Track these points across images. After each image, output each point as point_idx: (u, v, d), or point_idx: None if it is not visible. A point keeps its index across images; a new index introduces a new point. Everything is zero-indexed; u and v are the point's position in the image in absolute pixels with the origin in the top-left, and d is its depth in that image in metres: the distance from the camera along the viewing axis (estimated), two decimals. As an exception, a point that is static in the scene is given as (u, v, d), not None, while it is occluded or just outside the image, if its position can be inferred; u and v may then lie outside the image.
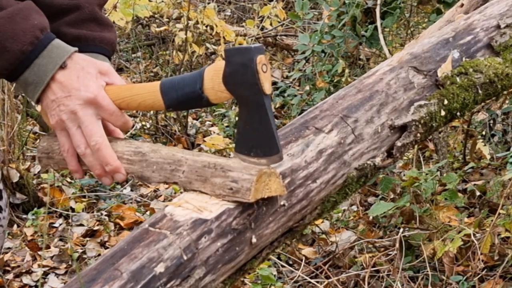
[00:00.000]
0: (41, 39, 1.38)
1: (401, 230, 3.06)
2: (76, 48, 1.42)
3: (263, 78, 1.28)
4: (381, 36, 3.92)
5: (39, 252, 3.59)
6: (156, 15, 5.72)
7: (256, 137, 1.31)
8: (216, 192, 1.30)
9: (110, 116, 1.41)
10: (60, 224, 3.88)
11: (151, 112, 4.92)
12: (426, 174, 3.21)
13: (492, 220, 2.97)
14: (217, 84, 1.32)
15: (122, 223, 3.83)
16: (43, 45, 1.38)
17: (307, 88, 4.74)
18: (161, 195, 4.20)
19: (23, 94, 4.40)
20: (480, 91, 1.68)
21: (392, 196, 3.54)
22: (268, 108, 1.29)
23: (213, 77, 1.32)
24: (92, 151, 1.41)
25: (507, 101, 3.89)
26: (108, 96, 1.40)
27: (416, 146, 3.43)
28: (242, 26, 6.18)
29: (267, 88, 1.28)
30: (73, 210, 3.96)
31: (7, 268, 3.46)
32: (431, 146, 4.11)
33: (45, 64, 1.38)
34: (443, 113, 1.62)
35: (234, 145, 1.34)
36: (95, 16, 1.57)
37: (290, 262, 3.36)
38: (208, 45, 5.65)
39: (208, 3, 5.51)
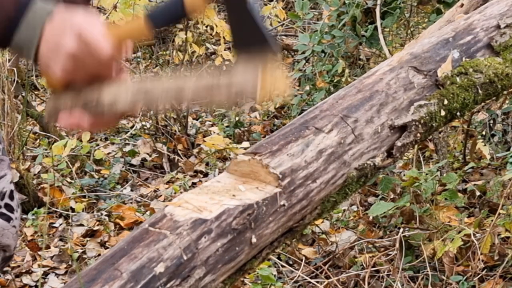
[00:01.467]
0: (22, 1, 1.37)
1: (401, 230, 3.06)
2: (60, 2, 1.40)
3: None
4: (381, 36, 3.92)
5: (39, 252, 3.59)
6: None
7: (248, 34, 1.30)
8: (223, 98, 1.30)
9: (97, 49, 1.36)
10: (60, 224, 3.88)
11: (151, 112, 4.91)
12: (426, 174, 3.21)
13: (492, 220, 2.97)
14: None
15: (122, 223, 3.83)
16: (26, 5, 1.36)
17: (307, 88, 4.74)
18: (161, 195, 4.20)
19: (23, 94, 4.40)
20: (480, 91, 1.68)
21: (392, 196, 3.54)
22: (254, 9, 1.29)
23: None
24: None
25: (507, 101, 3.89)
26: (100, 27, 1.37)
27: (416, 146, 3.43)
28: (242, 26, 6.16)
29: None
30: (73, 210, 3.95)
31: (7, 268, 3.46)
32: (431, 146, 4.11)
33: (32, 22, 1.36)
34: (443, 113, 1.62)
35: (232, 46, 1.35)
36: None
37: (290, 262, 3.35)
38: (208, 45, 5.66)
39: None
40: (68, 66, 1.36)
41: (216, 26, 5.23)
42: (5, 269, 3.33)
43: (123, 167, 4.54)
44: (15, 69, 4.54)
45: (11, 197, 1.73)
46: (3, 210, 1.71)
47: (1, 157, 1.71)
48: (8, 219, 1.72)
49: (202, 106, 1.35)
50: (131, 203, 4.10)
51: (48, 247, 3.65)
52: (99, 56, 1.35)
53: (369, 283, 2.97)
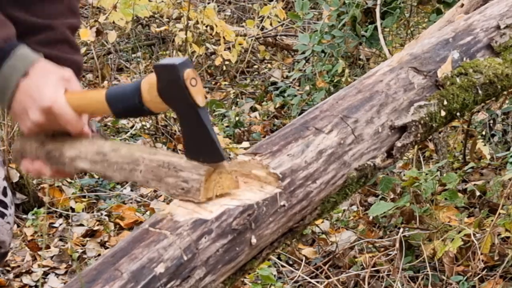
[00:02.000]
0: (5, 49, 1.40)
1: (401, 230, 3.06)
2: (40, 56, 1.43)
3: (194, 92, 1.27)
4: (381, 36, 3.92)
5: (39, 252, 3.59)
6: (156, 15, 5.72)
7: (200, 146, 1.32)
8: (170, 191, 1.32)
9: (65, 124, 1.41)
10: (60, 224, 3.88)
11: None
12: (426, 174, 3.21)
13: (492, 220, 2.97)
14: (154, 97, 1.32)
15: (122, 223, 3.83)
16: (6, 54, 1.40)
17: (307, 88, 4.74)
18: (161, 195, 4.20)
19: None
20: (480, 92, 1.68)
21: (392, 196, 3.54)
22: (205, 119, 1.30)
23: (149, 90, 1.32)
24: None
25: (507, 101, 3.89)
26: (67, 103, 1.40)
27: (416, 146, 3.43)
28: (242, 26, 6.18)
29: (200, 101, 1.28)
30: (73, 210, 3.95)
31: (7, 268, 3.46)
32: (431, 146, 4.11)
33: (9, 73, 1.40)
34: (443, 113, 1.62)
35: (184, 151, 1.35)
36: (67, 38, 1.60)
37: (290, 262, 3.36)
38: (208, 45, 5.66)
39: (208, 3, 5.51)
40: (34, 129, 1.43)
41: (216, 26, 5.23)
42: (5, 268, 3.33)
43: (123, 167, 4.53)
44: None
45: (5, 193, 1.74)
46: None
47: None
48: (2, 215, 1.72)
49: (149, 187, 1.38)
50: (131, 203, 4.10)
51: (48, 247, 3.65)
52: (64, 126, 1.41)
53: (369, 283, 2.97)
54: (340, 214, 3.69)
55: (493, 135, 3.99)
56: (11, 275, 3.38)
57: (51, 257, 3.58)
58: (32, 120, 1.41)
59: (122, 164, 1.38)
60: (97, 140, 1.46)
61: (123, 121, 5.23)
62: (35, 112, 1.40)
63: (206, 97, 1.41)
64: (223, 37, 5.30)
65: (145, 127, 4.91)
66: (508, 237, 3.09)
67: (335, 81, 4.38)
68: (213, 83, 6.00)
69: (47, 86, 1.39)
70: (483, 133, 4.02)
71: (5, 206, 1.74)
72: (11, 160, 3.93)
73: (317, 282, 3.04)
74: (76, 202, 4.02)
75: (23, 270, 3.46)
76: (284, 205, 1.35)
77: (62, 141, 1.47)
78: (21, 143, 1.54)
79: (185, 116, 1.32)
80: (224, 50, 5.45)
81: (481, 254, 2.95)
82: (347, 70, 4.33)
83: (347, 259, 3.23)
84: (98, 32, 4.60)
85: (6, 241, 1.75)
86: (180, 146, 4.72)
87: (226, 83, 5.94)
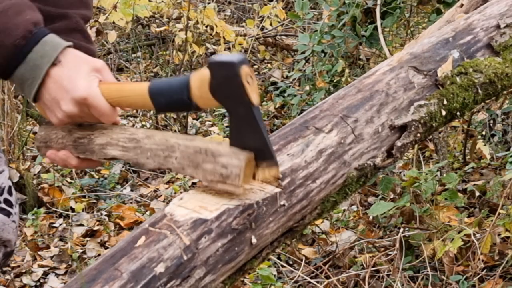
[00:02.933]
0: (34, 33, 1.37)
1: (401, 230, 3.06)
2: (71, 43, 1.40)
3: (250, 90, 1.26)
4: (381, 36, 3.92)
5: (39, 252, 3.59)
6: (156, 15, 5.73)
7: (250, 145, 1.30)
8: (208, 178, 1.30)
9: (100, 116, 1.39)
10: (60, 224, 3.88)
11: (151, 112, 4.92)
12: (426, 174, 3.21)
13: (492, 220, 2.97)
14: (205, 93, 1.30)
15: (122, 223, 3.83)
16: (36, 39, 1.37)
17: (307, 88, 4.74)
18: (161, 195, 4.20)
19: (23, 94, 4.40)
20: (480, 91, 1.68)
21: (392, 196, 3.54)
22: (259, 119, 1.28)
23: (200, 86, 1.30)
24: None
25: (507, 101, 3.89)
26: (101, 94, 1.38)
27: (416, 146, 3.43)
28: (242, 26, 6.18)
29: (255, 99, 1.27)
30: (73, 210, 3.96)
31: (7, 268, 3.46)
32: (431, 146, 4.11)
33: (39, 59, 1.36)
34: (443, 113, 1.62)
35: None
36: (81, 28, 1.59)
37: (290, 262, 3.36)
38: (208, 45, 5.66)
39: (208, 3, 5.51)
40: (66, 120, 1.40)
41: (216, 26, 5.23)
42: (5, 268, 3.33)
43: (123, 167, 4.54)
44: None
45: (10, 192, 1.74)
46: (3, 205, 1.72)
47: None
48: (8, 214, 1.73)
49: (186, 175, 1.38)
50: (131, 203, 4.10)
51: (48, 247, 3.65)
52: (98, 118, 1.39)
53: (369, 283, 2.97)
54: (340, 214, 3.69)
55: (493, 135, 3.99)
56: (11, 275, 3.38)
57: (51, 257, 3.58)
58: (64, 111, 1.37)
59: (156, 151, 1.36)
60: (129, 127, 1.44)
61: (123, 121, 5.23)
62: (68, 103, 1.37)
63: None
64: (223, 37, 5.30)
65: (145, 127, 4.91)
66: (508, 237, 3.09)
67: (335, 81, 4.38)
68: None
69: (81, 76, 1.37)
70: (483, 133, 4.02)
71: (11, 205, 1.74)
72: (11, 160, 3.93)
73: (317, 282, 3.04)
74: (76, 202, 4.03)
75: (23, 270, 3.46)
76: (284, 205, 1.35)
77: (91, 129, 1.45)
78: (45, 132, 1.51)
79: (238, 115, 1.29)
80: (224, 50, 5.45)
81: (481, 254, 2.95)
82: (347, 70, 4.33)
83: (347, 259, 3.24)
84: (98, 32, 4.59)
85: (12, 240, 1.75)
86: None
87: (226, 83, 5.93)
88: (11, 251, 1.77)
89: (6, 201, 1.73)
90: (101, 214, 3.95)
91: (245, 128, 1.29)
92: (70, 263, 3.52)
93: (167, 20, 5.62)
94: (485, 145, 3.78)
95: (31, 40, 1.36)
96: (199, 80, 1.30)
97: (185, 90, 1.31)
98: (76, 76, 1.36)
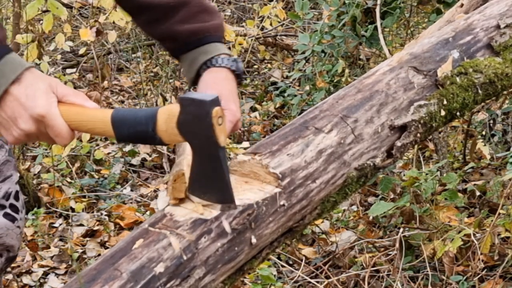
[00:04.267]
0: None
1: (401, 230, 3.06)
2: (32, 64, 1.38)
3: (219, 131, 1.25)
4: (381, 36, 3.91)
5: (39, 252, 3.59)
6: (156, 15, 5.71)
7: (210, 184, 1.29)
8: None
9: (55, 136, 1.35)
10: (60, 224, 3.88)
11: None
12: (426, 174, 3.21)
13: (492, 220, 2.97)
14: (170, 128, 1.28)
15: (122, 223, 3.83)
16: None
17: (307, 88, 4.74)
18: (161, 195, 4.19)
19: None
20: (480, 91, 1.68)
21: (392, 196, 3.54)
22: (223, 159, 1.27)
23: (167, 120, 1.29)
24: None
25: (507, 101, 3.89)
26: (59, 114, 1.35)
27: (416, 146, 3.43)
28: (242, 26, 6.18)
29: (222, 141, 1.26)
30: (73, 210, 3.95)
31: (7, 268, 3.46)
32: (431, 146, 4.11)
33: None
34: (443, 113, 1.62)
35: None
36: (203, 7, 1.57)
37: (290, 262, 3.35)
38: (208, 45, 5.63)
39: (208, 3, 5.50)
40: (22, 139, 1.37)
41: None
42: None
43: (123, 167, 4.54)
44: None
45: (17, 198, 1.74)
46: (8, 211, 1.72)
47: (7, 158, 1.72)
48: (13, 219, 1.72)
49: None
50: (131, 203, 4.10)
51: (48, 247, 3.65)
52: (54, 138, 1.35)
53: (369, 283, 2.97)
54: (340, 214, 3.69)
55: (493, 135, 3.99)
56: (11, 275, 3.38)
57: (51, 257, 3.58)
58: (22, 129, 1.34)
59: None
60: None
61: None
62: (27, 121, 1.34)
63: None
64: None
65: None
66: (508, 237, 3.09)
67: (335, 81, 4.38)
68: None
69: (40, 94, 1.34)
70: (483, 133, 4.02)
71: (16, 210, 1.74)
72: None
73: (317, 282, 3.04)
74: (76, 202, 4.03)
75: (23, 270, 3.46)
76: (283, 205, 1.35)
77: None
78: None
79: (202, 154, 1.29)
80: (224, 50, 5.43)
81: (481, 254, 2.95)
82: (347, 70, 4.33)
83: (347, 259, 3.23)
84: (98, 32, 4.59)
85: (15, 246, 1.75)
86: (180, 147, 4.71)
87: (226, 83, 5.93)
88: (14, 256, 1.77)
89: (12, 206, 1.73)
90: (101, 214, 3.95)
91: (208, 168, 1.28)
92: (70, 263, 3.52)
93: (167, 20, 5.61)
94: (485, 145, 3.78)
95: None
96: (167, 114, 1.29)
97: (151, 122, 1.30)
98: (35, 94, 1.34)
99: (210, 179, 1.29)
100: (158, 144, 1.33)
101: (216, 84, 1.51)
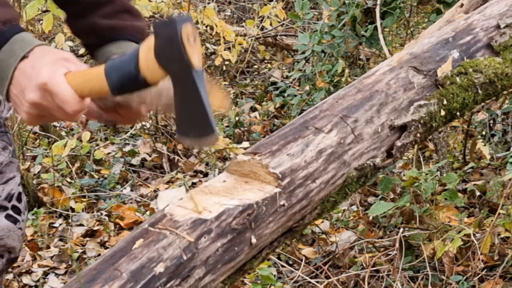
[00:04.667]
0: (3, 31, 1.34)
1: (401, 230, 3.06)
2: (43, 42, 1.37)
3: (190, 50, 1.18)
4: (381, 36, 3.92)
5: (39, 252, 3.59)
6: (156, 15, 5.72)
7: (191, 118, 1.22)
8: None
9: (62, 104, 1.31)
10: (60, 224, 3.88)
11: (151, 112, 4.92)
12: (426, 174, 3.21)
13: (492, 220, 2.97)
14: (151, 62, 1.22)
15: (122, 223, 3.83)
16: (5, 38, 1.34)
17: (307, 88, 4.74)
18: (161, 195, 4.19)
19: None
20: (480, 91, 1.68)
21: (392, 196, 3.54)
22: (200, 83, 1.19)
23: (147, 54, 1.23)
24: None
25: (507, 101, 3.89)
26: (65, 81, 1.30)
27: (416, 146, 3.43)
28: (242, 26, 6.18)
29: (196, 62, 1.18)
30: (73, 210, 3.96)
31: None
32: (431, 146, 4.11)
33: (7, 58, 1.33)
34: (442, 113, 1.62)
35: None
36: (127, 7, 1.60)
37: (290, 262, 3.36)
38: (208, 45, 5.66)
39: (208, 3, 5.51)
40: (32, 113, 1.34)
41: (216, 26, 5.23)
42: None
43: (123, 167, 4.54)
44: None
45: (19, 199, 1.73)
46: (10, 212, 1.71)
47: (11, 159, 1.72)
48: (15, 221, 1.72)
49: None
50: (131, 203, 4.10)
51: (48, 247, 3.65)
52: (61, 106, 1.32)
53: (369, 283, 2.97)
54: (340, 214, 3.69)
55: (493, 135, 3.99)
56: (11, 275, 3.38)
57: (51, 257, 3.58)
58: (28, 100, 1.32)
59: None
60: None
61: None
62: (31, 91, 1.31)
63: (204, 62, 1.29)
64: (223, 37, 5.30)
65: (145, 127, 4.91)
66: (508, 237, 3.09)
67: (335, 81, 4.38)
68: (213, 83, 5.99)
69: (44, 64, 1.32)
70: (483, 133, 4.02)
71: (19, 212, 1.74)
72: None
73: (317, 282, 3.04)
74: (76, 202, 4.03)
75: (23, 270, 3.46)
76: (283, 205, 1.35)
77: None
78: None
79: (179, 81, 1.21)
80: (224, 50, 5.45)
81: (481, 254, 2.95)
82: (347, 70, 4.33)
83: (347, 259, 3.23)
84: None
85: (17, 247, 1.75)
86: (180, 146, 4.72)
87: (226, 83, 5.94)
88: (15, 258, 1.77)
89: (14, 208, 1.73)
90: (101, 214, 3.95)
91: (186, 97, 1.22)
92: (70, 263, 3.52)
93: (167, 20, 5.61)
94: (485, 145, 3.78)
95: (0, 40, 1.33)
96: (146, 48, 1.23)
97: (133, 60, 1.24)
98: (40, 64, 1.32)
99: (190, 111, 1.22)
100: (144, 87, 1.26)
101: None
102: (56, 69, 1.31)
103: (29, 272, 3.47)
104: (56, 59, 1.33)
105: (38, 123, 1.44)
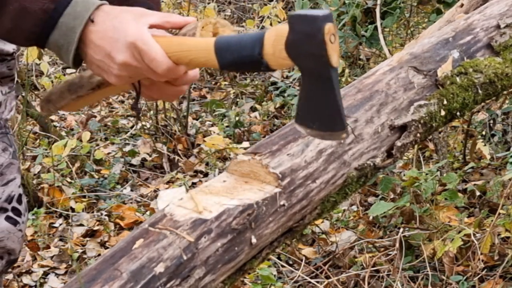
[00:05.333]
0: None
1: (401, 230, 3.06)
2: (104, 1, 1.29)
3: (331, 49, 1.16)
4: (381, 36, 3.92)
5: (39, 252, 3.59)
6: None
7: (320, 111, 1.21)
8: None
9: (151, 62, 1.26)
10: (60, 224, 3.88)
11: (151, 112, 4.92)
12: (426, 174, 3.21)
13: (492, 220, 2.97)
14: (278, 51, 1.20)
15: (122, 223, 3.83)
16: (66, 0, 1.26)
17: (307, 88, 4.73)
18: (161, 195, 4.19)
19: (23, 94, 4.40)
20: (480, 91, 1.68)
21: (392, 196, 3.54)
22: (335, 81, 1.18)
23: (274, 42, 1.21)
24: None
25: (507, 101, 3.89)
26: (154, 40, 1.26)
27: (416, 146, 3.43)
28: (242, 26, 6.18)
29: (335, 61, 1.17)
30: (73, 210, 3.95)
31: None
32: (431, 146, 4.11)
33: (71, 22, 1.26)
34: (443, 113, 1.62)
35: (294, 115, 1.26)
36: None
37: (290, 262, 3.35)
38: (208, 45, 5.63)
39: (208, 3, 5.51)
40: (124, 75, 1.29)
41: (216, 26, 5.22)
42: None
43: (123, 167, 4.54)
44: (15, 69, 4.52)
45: (19, 201, 1.73)
46: (10, 214, 1.71)
47: (11, 160, 1.71)
48: (15, 223, 1.72)
49: None
50: (131, 203, 4.10)
51: (48, 247, 3.65)
52: (150, 66, 1.27)
53: (369, 283, 2.97)
54: (340, 214, 3.69)
55: (493, 135, 3.99)
56: (11, 275, 3.38)
57: (51, 257, 3.58)
58: (118, 62, 1.26)
59: None
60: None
61: (123, 121, 5.23)
62: (120, 52, 1.25)
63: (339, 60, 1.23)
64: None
65: (145, 127, 4.91)
66: (508, 237, 3.09)
67: (335, 81, 4.37)
68: (213, 83, 6.00)
69: (127, 22, 1.26)
70: (483, 133, 4.02)
71: (19, 213, 1.73)
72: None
73: (317, 282, 3.04)
74: (76, 202, 4.03)
75: (23, 270, 3.46)
76: (284, 205, 1.35)
77: None
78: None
79: (312, 77, 1.20)
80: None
81: (481, 254, 2.95)
82: (347, 70, 4.33)
83: (347, 259, 3.23)
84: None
85: (16, 249, 1.74)
86: (180, 146, 4.72)
87: (226, 83, 5.94)
88: (14, 259, 1.77)
89: (14, 210, 1.72)
90: (101, 214, 3.95)
91: (318, 92, 1.21)
92: (70, 263, 3.52)
93: (167, 20, 5.61)
94: (485, 145, 3.78)
95: (60, 2, 1.26)
96: (275, 35, 1.21)
97: (257, 46, 1.22)
98: (122, 24, 1.26)
99: (321, 105, 1.21)
100: (265, 70, 1.25)
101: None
102: (141, 27, 1.26)
103: (29, 272, 3.47)
104: (136, 16, 1.28)
105: (128, 84, 1.36)
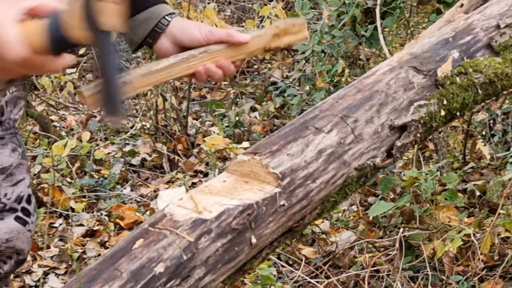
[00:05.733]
0: None
1: (401, 230, 3.06)
2: None
3: (103, 10, 1.02)
4: (381, 36, 3.92)
5: (39, 252, 3.59)
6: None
7: (102, 88, 1.09)
8: None
9: (1, 49, 1.17)
10: (60, 224, 3.88)
11: (151, 112, 4.92)
12: (426, 174, 3.21)
13: (492, 220, 2.97)
14: (79, 22, 1.07)
15: (122, 223, 3.83)
16: None
17: (307, 88, 4.74)
18: (161, 195, 4.18)
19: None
20: (480, 91, 1.68)
21: (392, 196, 3.54)
22: (105, 47, 1.04)
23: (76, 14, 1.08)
24: None
25: (507, 101, 3.89)
26: (15, 24, 1.14)
27: (416, 146, 3.43)
28: (242, 26, 6.17)
29: (106, 23, 1.03)
30: (73, 210, 3.96)
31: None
32: (431, 146, 4.11)
33: None
34: (442, 113, 1.62)
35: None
36: None
37: (290, 262, 3.36)
38: (208, 45, 5.62)
39: (208, 3, 5.51)
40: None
41: (216, 26, 5.23)
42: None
43: (123, 167, 4.54)
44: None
45: (29, 201, 1.73)
46: (20, 214, 1.71)
47: (20, 161, 1.71)
48: (24, 223, 1.72)
49: None
50: (131, 203, 4.10)
51: (48, 247, 3.65)
52: (8, 59, 1.18)
53: (369, 283, 2.97)
54: (340, 214, 3.69)
55: (493, 135, 3.99)
56: (11, 275, 3.37)
57: (51, 257, 3.58)
58: None
59: None
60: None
61: (123, 121, 5.23)
62: None
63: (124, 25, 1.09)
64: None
65: (145, 127, 4.92)
66: (508, 237, 3.09)
67: (335, 81, 4.38)
68: (213, 83, 6.00)
69: None
70: (483, 133, 4.02)
71: (28, 214, 1.74)
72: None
73: (317, 282, 3.04)
74: (76, 202, 4.03)
75: (23, 270, 3.46)
76: (283, 205, 1.35)
77: None
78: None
79: (94, 43, 1.06)
80: (224, 50, 5.43)
81: (481, 254, 2.95)
82: (347, 70, 4.33)
83: (347, 259, 3.23)
84: (98, 32, 4.59)
85: (25, 249, 1.75)
86: (180, 146, 4.72)
87: (226, 83, 5.94)
88: (23, 259, 1.77)
89: (24, 210, 1.72)
90: (101, 214, 3.95)
91: (98, 64, 1.08)
92: (70, 263, 3.52)
93: (167, 20, 5.61)
94: (485, 145, 3.79)
95: None
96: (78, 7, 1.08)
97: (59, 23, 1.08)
98: None
99: (101, 80, 1.08)
100: (79, 46, 1.12)
101: (193, 23, 1.50)
102: (4, 10, 1.16)
103: (29, 272, 3.47)
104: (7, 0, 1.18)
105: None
